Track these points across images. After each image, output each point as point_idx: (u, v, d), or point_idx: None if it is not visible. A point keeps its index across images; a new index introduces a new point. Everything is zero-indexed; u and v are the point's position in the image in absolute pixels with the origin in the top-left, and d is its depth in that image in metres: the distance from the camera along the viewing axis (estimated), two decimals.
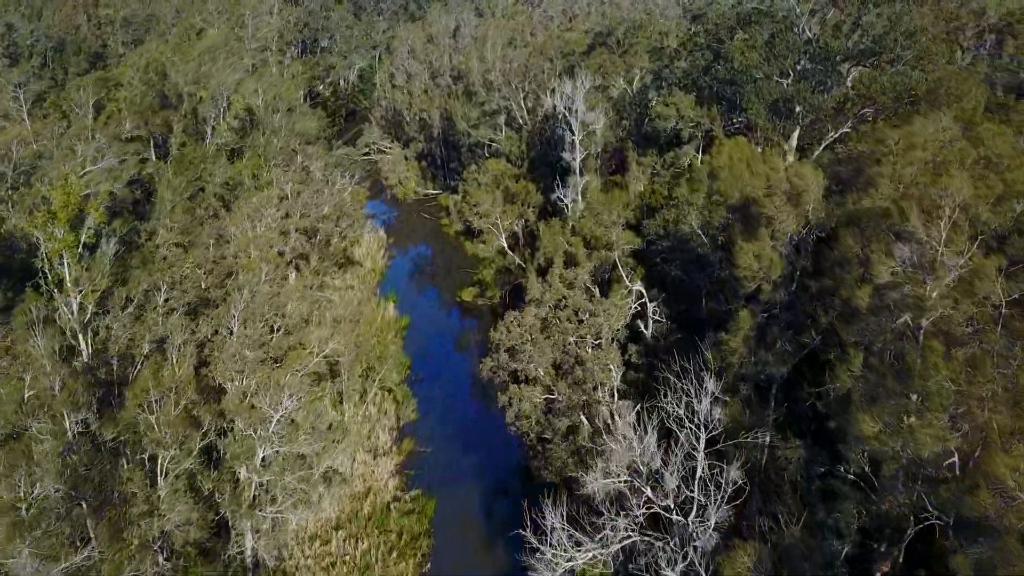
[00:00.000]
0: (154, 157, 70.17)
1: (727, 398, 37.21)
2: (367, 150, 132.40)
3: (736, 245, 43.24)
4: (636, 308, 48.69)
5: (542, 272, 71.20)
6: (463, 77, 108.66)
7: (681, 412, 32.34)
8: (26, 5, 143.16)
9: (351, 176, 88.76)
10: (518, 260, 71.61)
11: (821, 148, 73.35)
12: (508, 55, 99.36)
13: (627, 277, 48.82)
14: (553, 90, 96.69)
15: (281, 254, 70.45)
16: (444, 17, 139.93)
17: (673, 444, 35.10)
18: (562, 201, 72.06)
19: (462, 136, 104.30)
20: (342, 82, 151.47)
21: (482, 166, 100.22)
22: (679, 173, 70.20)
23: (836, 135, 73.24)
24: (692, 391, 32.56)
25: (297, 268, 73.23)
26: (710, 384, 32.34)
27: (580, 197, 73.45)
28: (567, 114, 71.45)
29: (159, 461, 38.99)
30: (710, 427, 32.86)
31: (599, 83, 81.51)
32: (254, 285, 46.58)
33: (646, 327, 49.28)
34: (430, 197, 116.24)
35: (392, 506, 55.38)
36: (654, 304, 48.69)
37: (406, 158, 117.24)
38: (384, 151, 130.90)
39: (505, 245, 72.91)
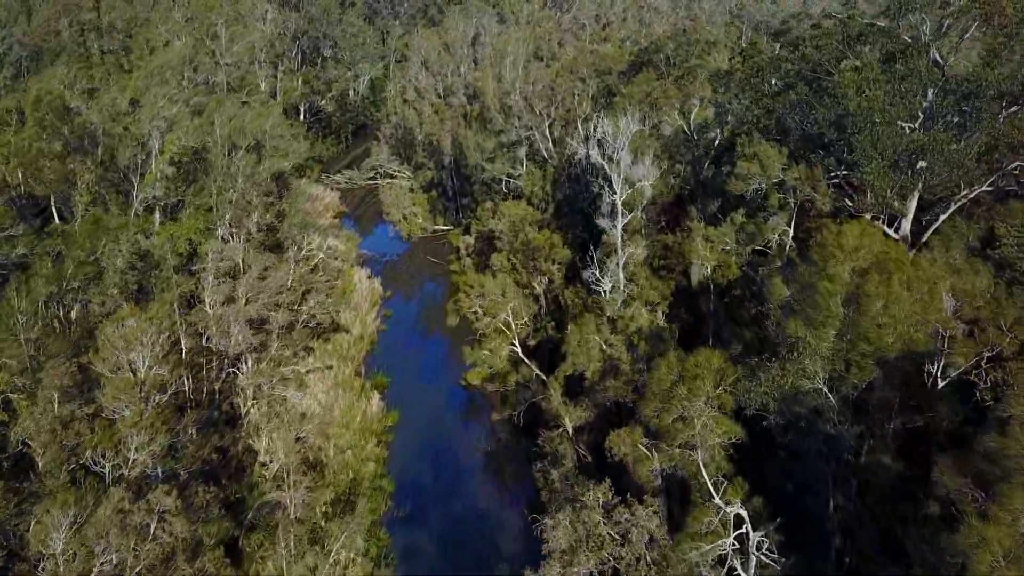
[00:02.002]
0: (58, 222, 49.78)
1: None
2: (373, 174, 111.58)
3: (967, 517, 21.89)
4: (733, 544, 27.51)
5: (570, 388, 49.76)
6: (480, 96, 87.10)
7: None
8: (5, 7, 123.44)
9: (329, 232, 68.13)
10: (536, 371, 50.11)
11: (947, 214, 51.18)
12: (531, 74, 77.61)
13: (717, 492, 27.64)
14: (586, 119, 74.84)
15: (222, 353, 49.90)
16: (462, 23, 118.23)
17: None
18: (597, 284, 50.50)
19: (474, 171, 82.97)
20: (352, 92, 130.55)
21: (499, 207, 78.91)
22: (761, 250, 48.38)
23: (971, 195, 51.05)
24: None
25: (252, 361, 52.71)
26: None
27: (621, 272, 51.85)
28: (606, 166, 49.78)
29: None
30: None
31: (647, 115, 59.57)
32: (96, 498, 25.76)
33: (744, 567, 28.04)
34: (439, 234, 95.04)
35: None
36: (761, 534, 27.48)
37: (411, 189, 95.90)
38: (392, 175, 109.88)
39: (519, 350, 51.26)
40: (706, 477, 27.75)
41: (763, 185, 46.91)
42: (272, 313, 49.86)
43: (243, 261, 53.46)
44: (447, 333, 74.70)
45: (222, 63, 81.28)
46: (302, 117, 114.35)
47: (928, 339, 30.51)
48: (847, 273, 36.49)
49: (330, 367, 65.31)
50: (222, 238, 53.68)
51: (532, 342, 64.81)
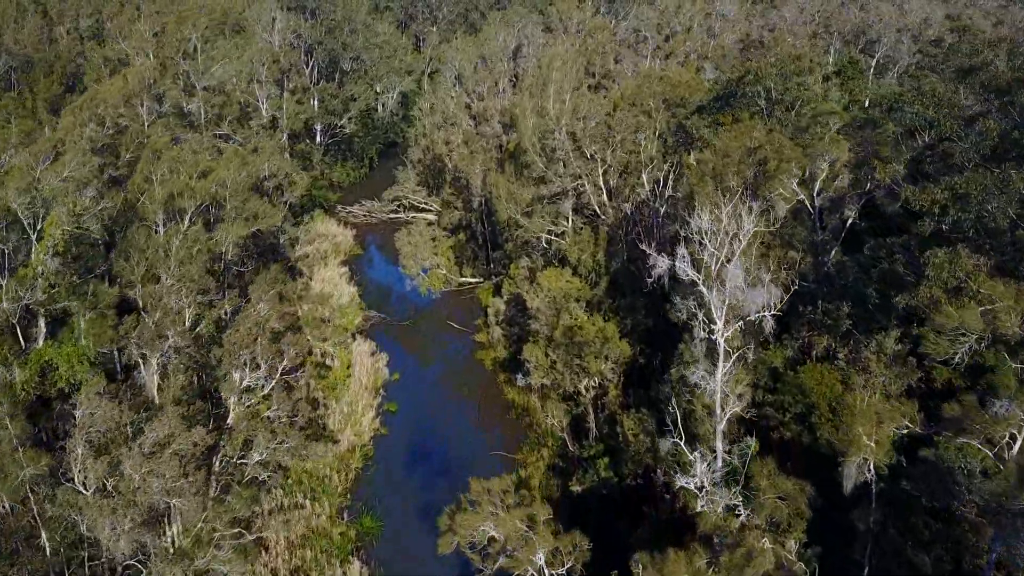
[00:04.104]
0: None
1: None
2: (396, 205, 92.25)
3: None
4: None
5: None
6: (518, 133, 66.93)
7: None
8: None
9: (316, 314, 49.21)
10: None
11: None
12: (581, 105, 57.27)
13: None
14: (652, 166, 54.65)
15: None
16: (502, 32, 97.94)
17: None
18: (684, 474, 30.28)
19: (507, 228, 63.28)
20: (380, 108, 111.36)
21: (535, 275, 58.94)
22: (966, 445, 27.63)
23: None
24: None
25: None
26: None
27: (720, 445, 31.49)
28: (701, 286, 29.45)
29: None
30: None
31: (749, 181, 38.83)
32: None
33: None
34: (465, 287, 75.42)
35: None
36: None
37: (434, 238, 76.22)
38: (418, 207, 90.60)
39: None
40: None
41: (982, 345, 26.21)
42: (176, 503, 30.74)
43: (155, 400, 34.43)
44: (464, 439, 54.90)
45: (200, 86, 62.61)
46: (318, 139, 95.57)
47: None
48: None
49: (301, 506, 46.46)
50: (122, 367, 34.80)
51: (577, 488, 44.90)
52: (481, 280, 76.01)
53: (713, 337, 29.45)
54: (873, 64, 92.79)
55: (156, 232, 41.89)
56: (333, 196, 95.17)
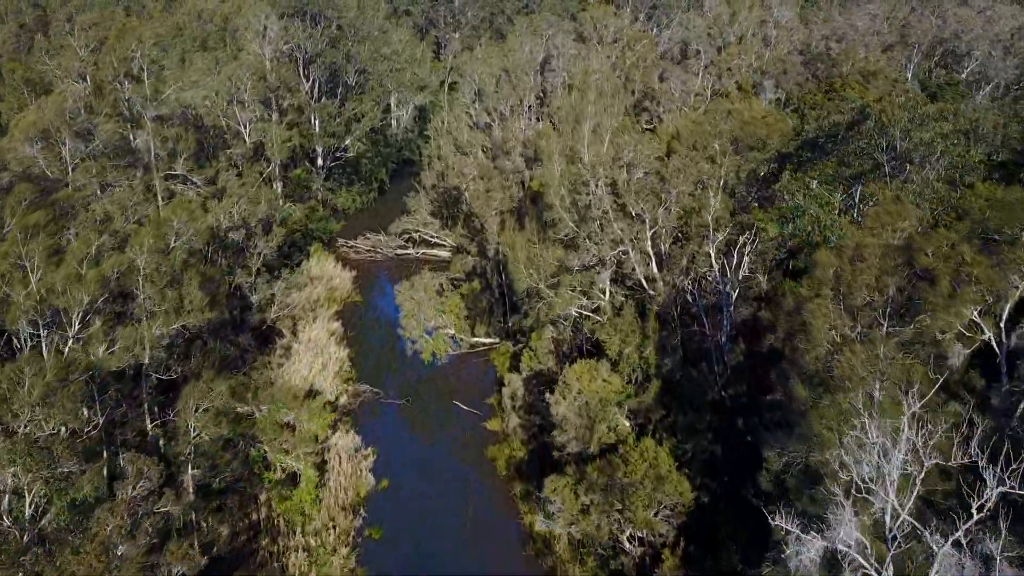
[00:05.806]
0: None
1: None
2: (405, 240, 77.97)
3: None
4: None
5: None
6: (543, 164, 52.17)
7: None
8: None
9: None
10: None
11: None
12: (624, 148, 42.28)
13: None
14: (717, 227, 39.78)
15: None
16: (528, 42, 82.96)
17: None
18: None
19: (525, 300, 48.79)
20: (394, 123, 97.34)
21: (563, 376, 44.12)
22: None
23: None
24: None
25: None
26: None
27: None
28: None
29: None
30: None
31: (891, 295, 23.62)
32: None
33: None
34: (479, 348, 61.03)
35: None
36: None
37: (441, 291, 61.80)
38: (430, 242, 76.55)
39: None
40: None
41: None
42: None
43: None
44: None
45: (148, 116, 48.64)
46: (319, 163, 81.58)
47: None
48: None
49: None
50: None
51: None
52: (497, 341, 61.47)
53: None
54: (960, 81, 76.22)
55: (24, 348, 27.97)
56: (335, 226, 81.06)
